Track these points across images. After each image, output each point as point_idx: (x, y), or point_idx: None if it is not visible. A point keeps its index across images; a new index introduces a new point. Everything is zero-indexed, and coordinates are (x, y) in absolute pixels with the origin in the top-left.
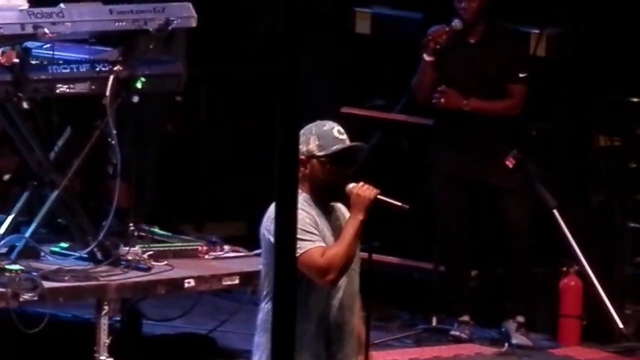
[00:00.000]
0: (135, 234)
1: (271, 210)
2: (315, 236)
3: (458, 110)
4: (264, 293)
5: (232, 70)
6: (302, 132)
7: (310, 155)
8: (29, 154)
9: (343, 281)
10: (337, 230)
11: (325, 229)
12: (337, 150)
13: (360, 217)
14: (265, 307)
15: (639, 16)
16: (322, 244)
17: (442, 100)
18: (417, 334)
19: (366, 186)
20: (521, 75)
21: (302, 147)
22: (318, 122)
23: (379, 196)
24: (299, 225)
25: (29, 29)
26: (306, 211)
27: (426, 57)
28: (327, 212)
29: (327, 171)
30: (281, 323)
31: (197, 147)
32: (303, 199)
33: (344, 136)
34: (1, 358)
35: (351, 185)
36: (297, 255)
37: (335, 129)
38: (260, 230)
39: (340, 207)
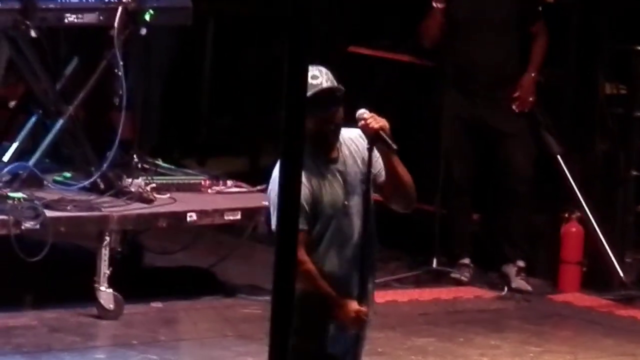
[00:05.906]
0: (139, 166)
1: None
2: (301, 219)
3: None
4: None
5: (240, 6)
6: None
7: None
8: (35, 83)
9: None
10: (337, 177)
11: (320, 183)
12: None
13: None
14: None
15: None
16: (305, 227)
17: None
18: (417, 276)
19: (373, 117)
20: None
21: None
22: None
23: (380, 132)
24: None
25: None
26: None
27: (436, 4)
28: (329, 160)
29: (309, 120)
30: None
31: (201, 81)
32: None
33: (317, 80)
34: (1, 285)
35: (361, 111)
36: None
37: (309, 76)
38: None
39: (346, 141)
